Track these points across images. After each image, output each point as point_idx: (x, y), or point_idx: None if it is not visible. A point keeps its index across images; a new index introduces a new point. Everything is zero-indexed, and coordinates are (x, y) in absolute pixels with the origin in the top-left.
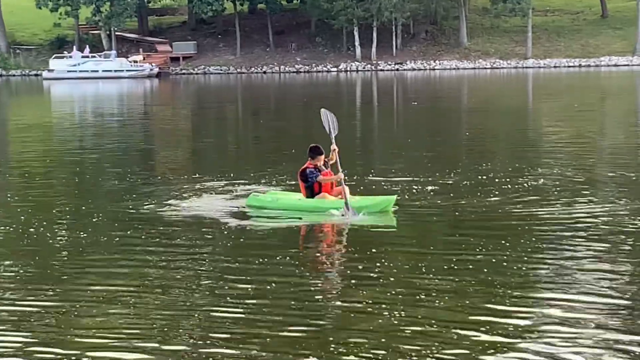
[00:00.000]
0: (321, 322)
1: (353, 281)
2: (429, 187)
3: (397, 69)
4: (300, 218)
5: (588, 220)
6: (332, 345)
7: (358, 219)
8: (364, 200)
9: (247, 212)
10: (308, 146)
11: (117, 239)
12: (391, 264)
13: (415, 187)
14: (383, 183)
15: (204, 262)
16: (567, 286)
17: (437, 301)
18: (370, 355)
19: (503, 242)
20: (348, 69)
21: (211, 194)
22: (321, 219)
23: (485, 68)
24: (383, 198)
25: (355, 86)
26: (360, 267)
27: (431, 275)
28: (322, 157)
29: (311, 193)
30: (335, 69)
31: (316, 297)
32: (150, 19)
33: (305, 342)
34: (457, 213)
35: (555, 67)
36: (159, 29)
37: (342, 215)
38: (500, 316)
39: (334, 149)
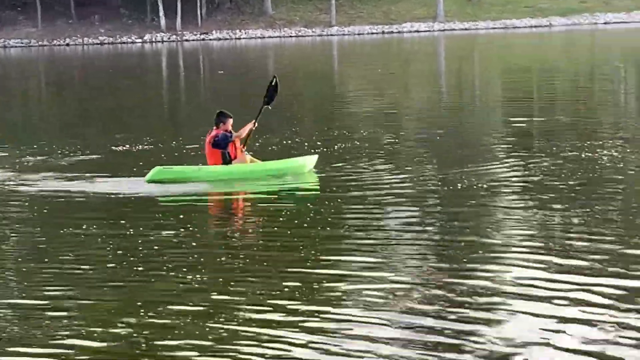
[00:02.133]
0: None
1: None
2: None
3: (203, 39)
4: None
5: (395, 182)
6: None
7: None
8: (285, 162)
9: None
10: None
11: None
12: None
13: None
14: (191, 151)
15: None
16: (373, 252)
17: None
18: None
19: (310, 205)
20: (153, 39)
21: (5, 166)
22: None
23: (291, 36)
24: (302, 158)
25: (161, 57)
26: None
27: (233, 242)
28: (231, 120)
29: (227, 159)
30: (140, 40)
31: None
32: None
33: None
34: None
35: (359, 34)
36: None
37: None
38: (309, 282)
39: (250, 126)
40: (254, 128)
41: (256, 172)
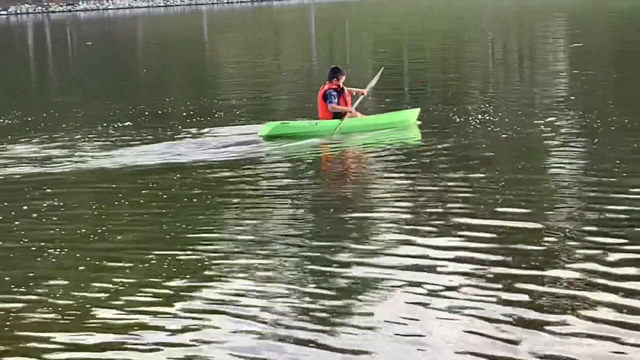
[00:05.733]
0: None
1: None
2: (112, 124)
3: (69, 10)
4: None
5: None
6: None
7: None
8: (389, 117)
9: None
10: None
11: None
12: None
13: (100, 125)
14: (64, 123)
15: None
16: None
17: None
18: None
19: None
20: (18, 11)
21: None
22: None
23: (159, 6)
24: (407, 111)
25: (26, 29)
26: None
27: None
28: (344, 77)
29: (339, 114)
30: (4, 13)
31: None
32: None
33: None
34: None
35: (228, 2)
36: None
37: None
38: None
39: (363, 92)
40: (364, 94)
41: (368, 126)
